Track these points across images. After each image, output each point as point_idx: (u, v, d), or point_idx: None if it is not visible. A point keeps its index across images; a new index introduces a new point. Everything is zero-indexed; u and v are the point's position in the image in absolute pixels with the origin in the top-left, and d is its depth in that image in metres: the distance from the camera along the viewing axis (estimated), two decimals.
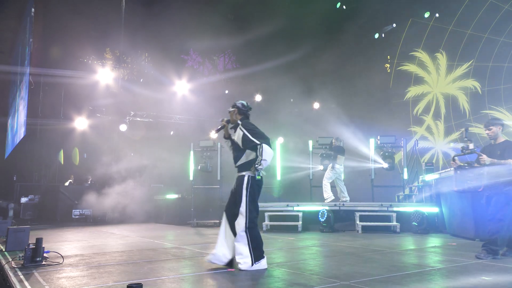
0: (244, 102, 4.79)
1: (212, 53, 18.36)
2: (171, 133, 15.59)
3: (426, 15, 13.89)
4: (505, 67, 12.99)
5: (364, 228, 8.67)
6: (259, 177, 4.47)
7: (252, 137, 4.40)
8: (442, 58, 14.26)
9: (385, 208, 8.91)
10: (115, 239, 8.08)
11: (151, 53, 16.23)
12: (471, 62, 13.44)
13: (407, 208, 8.82)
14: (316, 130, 13.01)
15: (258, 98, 15.93)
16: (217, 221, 10.63)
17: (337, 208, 9.15)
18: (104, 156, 13.39)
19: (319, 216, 8.91)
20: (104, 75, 14.61)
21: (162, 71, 15.14)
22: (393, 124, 13.92)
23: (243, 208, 4.40)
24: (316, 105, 16.04)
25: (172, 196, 12.85)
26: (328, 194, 9.92)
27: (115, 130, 14.40)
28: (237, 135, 4.59)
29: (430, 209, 8.61)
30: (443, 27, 13.96)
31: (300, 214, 9.05)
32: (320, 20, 15.07)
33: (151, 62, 16.00)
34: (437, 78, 14.41)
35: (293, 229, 9.00)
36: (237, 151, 4.61)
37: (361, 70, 15.43)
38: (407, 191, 10.19)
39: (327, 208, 8.97)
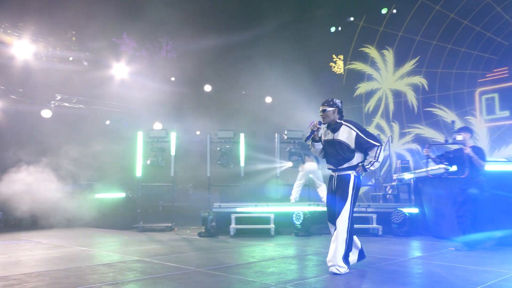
0: (340, 101, 4.40)
1: (151, 38, 16.43)
2: (107, 122, 13.43)
3: (384, 11, 13.68)
4: (454, 73, 13.30)
5: None
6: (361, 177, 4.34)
7: (367, 138, 4.20)
8: (388, 55, 14.24)
9: (364, 209, 8.20)
10: (46, 251, 6.23)
11: (80, 30, 13.86)
12: (417, 58, 13.56)
13: (386, 209, 8.20)
14: (284, 123, 11.88)
15: (208, 88, 14.47)
16: (169, 225, 9.05)
17: (311, 209, 8.22)
18: (23, 148, 10.88)
19: (294, 218, 7.95)
20: (21, 48, 11.97)
21: (95, 50, 12.97)
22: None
23: (346, 210, 4.16)
24: (268, 99, 15.06)
25: (107, 195, 10.94)
26: (293, 195, 9.10)
27: (36, 116, 11.91)
28: (347, 135, 4.25)
29: (410, 210, 8.06)
30: (394, 33, 13.91)
31: (272, 216, 7.98)
32: (275, 4, 14.05)
33: (80, 40, 13.62)
34: (386, 75, 14.38)
35: (264, 233, 7.87)
36: (347, 152, 4.23)
37: (314, 64, 14.80)
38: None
39: (303, 209, 8.01)
